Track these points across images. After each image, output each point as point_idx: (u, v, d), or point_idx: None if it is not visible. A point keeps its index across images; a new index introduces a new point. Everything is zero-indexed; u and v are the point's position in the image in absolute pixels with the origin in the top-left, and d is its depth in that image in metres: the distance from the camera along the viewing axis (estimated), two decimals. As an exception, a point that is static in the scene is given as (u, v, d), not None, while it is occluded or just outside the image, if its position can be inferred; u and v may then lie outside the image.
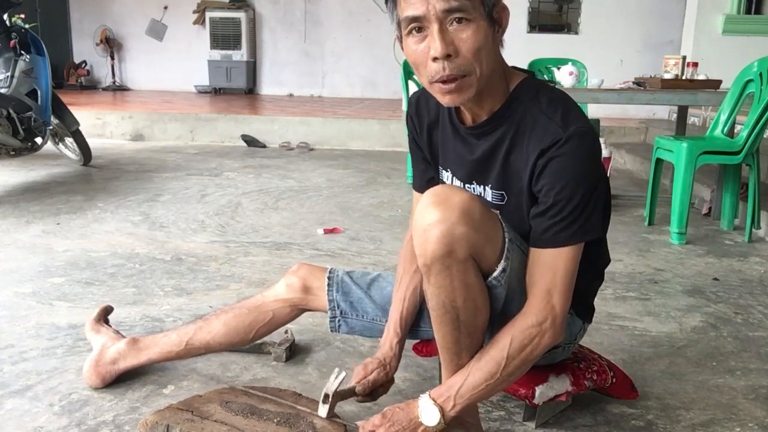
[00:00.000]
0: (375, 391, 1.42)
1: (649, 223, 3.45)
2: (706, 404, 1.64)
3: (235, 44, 8.87)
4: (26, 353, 1.80)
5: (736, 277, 2.63)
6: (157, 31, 9.28)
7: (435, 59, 1.14)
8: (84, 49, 9.47)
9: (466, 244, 1.12)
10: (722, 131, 3.26)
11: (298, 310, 1.61)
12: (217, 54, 8.89)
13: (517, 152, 1.23)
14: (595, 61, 5.40)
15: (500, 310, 1.24)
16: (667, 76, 3.71)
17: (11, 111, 3.76)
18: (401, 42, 1.21)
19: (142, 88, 9.47)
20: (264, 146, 6.02)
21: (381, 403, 1.57)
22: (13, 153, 3.91)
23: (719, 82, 3.60)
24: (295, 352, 1.85)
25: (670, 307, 2.29)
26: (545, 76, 4.13)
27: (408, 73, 4.36)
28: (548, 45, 6.83)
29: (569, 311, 1.25)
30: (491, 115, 1.25)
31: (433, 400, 1.21)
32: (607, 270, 1.45)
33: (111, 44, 9.24)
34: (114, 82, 9.34)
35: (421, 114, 1.41)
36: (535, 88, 1.24)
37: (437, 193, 1.15)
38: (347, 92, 9.12)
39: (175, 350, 1.61)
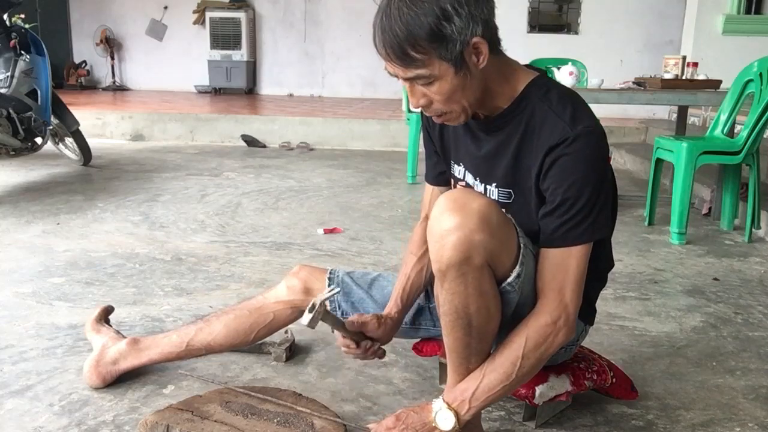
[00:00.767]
0: (363, 342, 1.38)
1: (649, 223, 3.45)
2: (706, 404, 1.63)
3: (235, 44, 8.88)
4: (26, 353, 1.80)
5: (736, 277, 2.63)
6: (157, 31, 9.29)
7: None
8: (84, 49, 9.48)
9: (483, 251, 1.12)
10: (722, 131, 3.26)
11: (299, 312, 1.60)
12: (217, 54, 8.90)
13: (527, 149, 1.23)
14: (595, 61, 5.40)
15: (511, 314, 1.24)
16: (667, 76, 3.71)
17: (11, 111, 3.76)
18: None
19: (142, 88, 9.48)
20: (264, 146, 6.02)
21: (380, 403, 1.58)
22: (13, 153, 3.91)
23: (719, 82, 3.60)
24: (295, 352, 1.85)
25: (670, 307, 2.29)
26: (545, 76, 4.12)
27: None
28: (548, 45, 6.81)
29: None
30: (501, 112, 1.26)
31: (448, 404, 1.21)
32: (607, 270, 1.45)
33: (111, 44, 9.25)
34: (114, 82, 9.35)
35: None
36: (545, 86, 1.24)
37: (455, 198, 1.15)
38: (347, 92, 9.12)
39: (176, 351, 1.61)
